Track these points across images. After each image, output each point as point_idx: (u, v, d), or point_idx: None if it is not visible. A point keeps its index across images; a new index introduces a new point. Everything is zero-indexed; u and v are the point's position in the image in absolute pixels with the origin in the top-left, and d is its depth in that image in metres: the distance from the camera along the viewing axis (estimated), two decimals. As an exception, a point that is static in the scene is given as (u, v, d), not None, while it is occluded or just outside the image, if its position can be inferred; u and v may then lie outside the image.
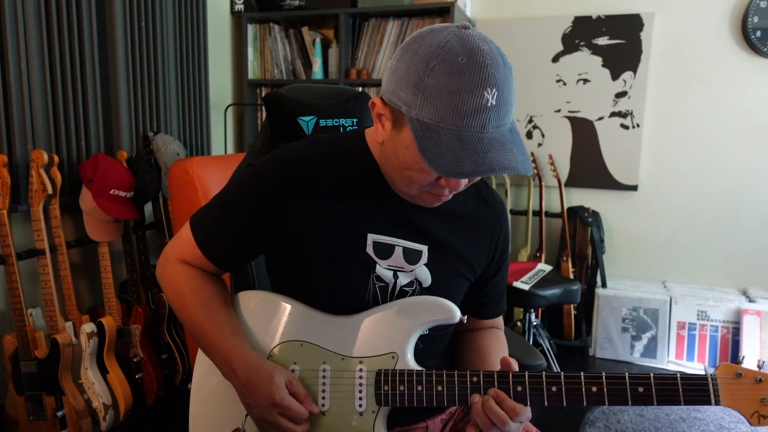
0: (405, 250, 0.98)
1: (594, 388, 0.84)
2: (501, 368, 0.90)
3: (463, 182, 0.87)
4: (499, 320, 1.16)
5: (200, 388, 1.04)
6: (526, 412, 0.86)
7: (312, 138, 1.02)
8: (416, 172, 0.85)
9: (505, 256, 1.09)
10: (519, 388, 0.87)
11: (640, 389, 0.83)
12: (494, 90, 0.77)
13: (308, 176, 0.96)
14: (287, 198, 0.95)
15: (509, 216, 3.19)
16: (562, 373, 0.86)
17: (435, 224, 0.99)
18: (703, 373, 0.85)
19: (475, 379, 0.89)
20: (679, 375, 0.83)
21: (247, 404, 0.92)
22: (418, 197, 0.92)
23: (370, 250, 0.96)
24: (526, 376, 0.87)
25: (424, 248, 0.98)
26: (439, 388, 0.90)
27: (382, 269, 0.97)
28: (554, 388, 0.86)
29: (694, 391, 0.82)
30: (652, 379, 0.83)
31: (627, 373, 0.84)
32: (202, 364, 1.04)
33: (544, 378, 0.86)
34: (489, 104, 0.77)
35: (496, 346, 1.08)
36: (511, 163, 0.78)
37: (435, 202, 0.93)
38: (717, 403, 0.81)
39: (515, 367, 0.89)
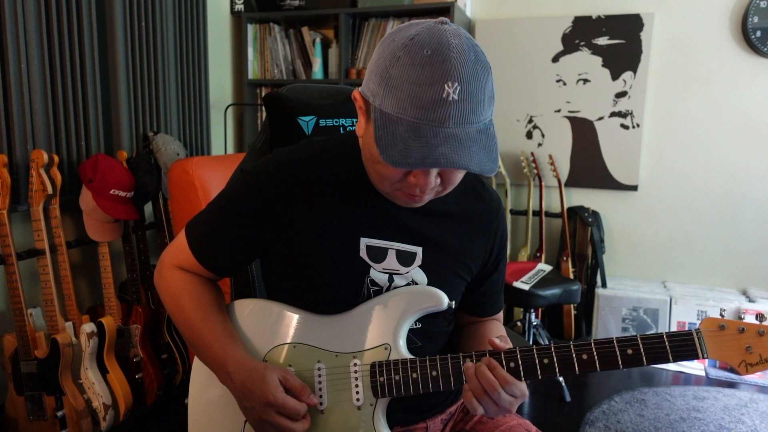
0: (399, 252, 0.97)
1: (584, 356, 0.85)
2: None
3: (433, 181, 0.85)
4: (499, 315, 1.16)
5: (198, 399, 1.04)
6: (520, 386, 0.86)
7: (305, 142, 1.02)
8: (383, 165, 0.85)
9: (502, 253, 1.09)
10: (512, 364, 0.87)
11: (629, 351, 0.84)
12: (456, 84, 0.76)
13: (301, 180, 0.96)
14: (280, 203, 0.95)
15: (509, 216, 3.19)
16: (552, 344, 0.87)
17: (428, 225, 0.98)
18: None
19: (468, 360, 0.90)
20: (665, 333, 0.84)
21: (244, 408, 0.92)
22: (393, 195, 0.91)
23: (363, 254, 0.96)
24: (518, 351, 0.87)
25: (419, 250, 0.98)
26: (434, 373, 0.90)
27: (377, 273, 0.97)
28: (546, 360, 0.86)
29: (681, 346, 0.83)
30: (639, 340, 0.84)
31: (615, 337, 0.85)
32: (198, 375, 1.04)
33: (535, 351, 0.87)
34: (450, 98, 0.76)
35: (496, 331, 1.08)
36: (462, 160, 0.76)
37: (410, 202, 0.91)
38: (704, 356, 0.82)
39: (503, 347, 0.89)
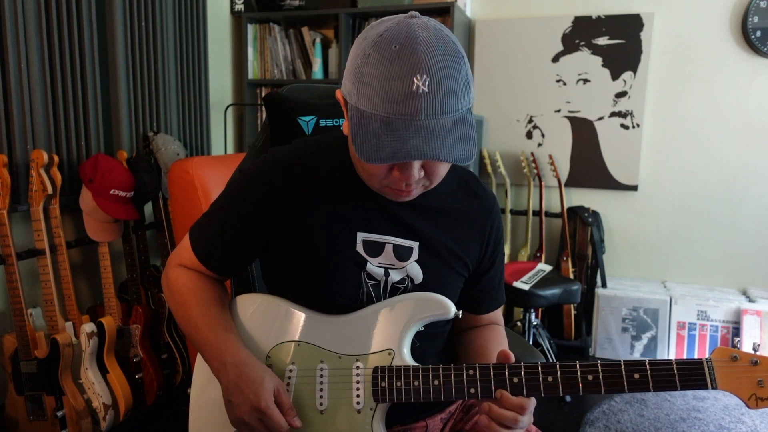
0: (395, 247, 0.98)
1: (590, 377, 0.85)
2: (498, 361, 0.90)
3: (416, 173, 0.85)
4: (498, 316, 1.15)
5: (201, 393, 1.04)
6: (533, 402, 0.87)
7: (299, 140, 1.03)
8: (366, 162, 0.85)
9: (498, 249, 1.09)
10: (515, 380, 0.87)
11: (636, 376, 0.83)
12: (425, 76, 0.76)
13: (296, 178, 0.97)
14: (277, 201, 0.96)
15: (509, 216, 3.19)
16: (558, 362, 0.87)
17: (424, 221, 0.99)
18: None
19: (471, 372, 0.89)
20: (674, 361, 0.83)
21: (228, 401, 0.91)
22: (382, 192, 0.92)
23: (360, 248, 0.97)
24: (522, 367, 0.87)
25: (415, 245, 0.99)
26: (436, 382, 0.90)
27: (373, 267, 0.97)
28: (550, 378, 0.86)
29: (690, 375, 0.82)
30: (647, 365, 0.83)
31: (622, 361, 0.84)
32: (201, 369, 1.05)
33: (539, 368, 0.86)
34: (420, 91, 0.76)
35: (495, 344, 1.07)
36: (434, 151, 0.76)
37: (399, 197, 0.92)
38: (714, 387, 0.81)
39: (513, 359, 0.89)
